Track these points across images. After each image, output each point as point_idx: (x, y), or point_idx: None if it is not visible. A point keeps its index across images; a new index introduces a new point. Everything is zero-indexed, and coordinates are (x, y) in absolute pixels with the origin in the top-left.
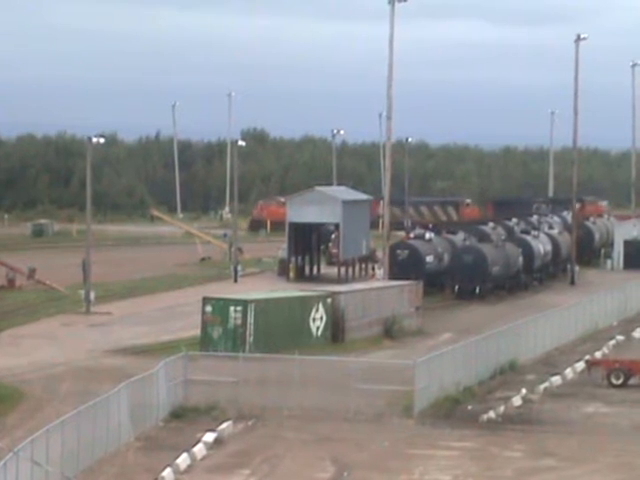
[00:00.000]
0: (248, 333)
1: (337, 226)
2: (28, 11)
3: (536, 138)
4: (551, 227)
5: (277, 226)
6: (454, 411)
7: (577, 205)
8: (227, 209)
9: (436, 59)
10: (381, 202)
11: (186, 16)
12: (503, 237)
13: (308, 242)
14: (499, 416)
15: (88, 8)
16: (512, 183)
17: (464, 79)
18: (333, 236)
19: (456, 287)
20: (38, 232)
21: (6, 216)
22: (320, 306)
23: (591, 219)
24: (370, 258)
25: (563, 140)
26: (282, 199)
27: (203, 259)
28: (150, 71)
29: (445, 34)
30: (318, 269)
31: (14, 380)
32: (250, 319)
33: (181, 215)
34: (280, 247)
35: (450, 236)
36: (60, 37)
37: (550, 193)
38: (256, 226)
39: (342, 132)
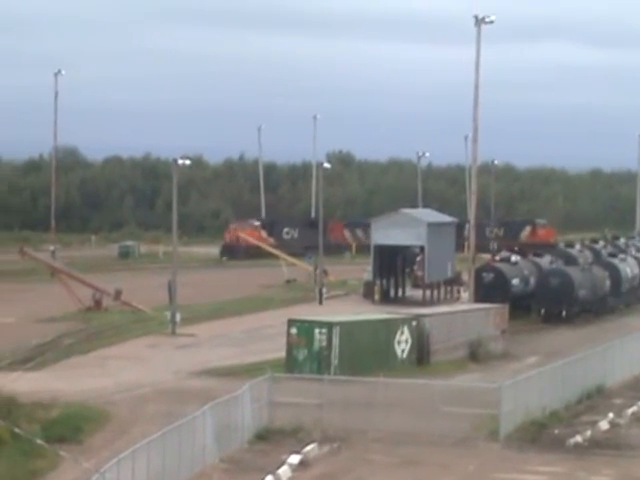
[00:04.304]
0: (333, 355)
1: (422, 248)
2: (115, 35)
3: (624, 161)
4: (639, 250)
5: (253, 251)
6: (540, 435)
7: (527, 228)
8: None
9: (522, 81)
10: (338, 226)
11: (273, 40)
12: (590, 260)
13: (393, 264)
14: (586, 440)
15: (175, 31)
16: (599, 206)
17: (551, 101)
18: (418, 258)
19: (542, 310)
20: (124, 254)
21: (93, 238)
22: (405, 329)
23: None
24: (455, 281)
25: None
26: (256, 222)
27: (288, 281)
28: (235, 93)
29: (531, 56)
30: (403, 291)
31: (100, 401)
32: (335, 341)
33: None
34: (365, 269)
35: (536, 259)
36: (146, 60)
37: (638, 216)
38: (228, 252)
39: (427, 154)
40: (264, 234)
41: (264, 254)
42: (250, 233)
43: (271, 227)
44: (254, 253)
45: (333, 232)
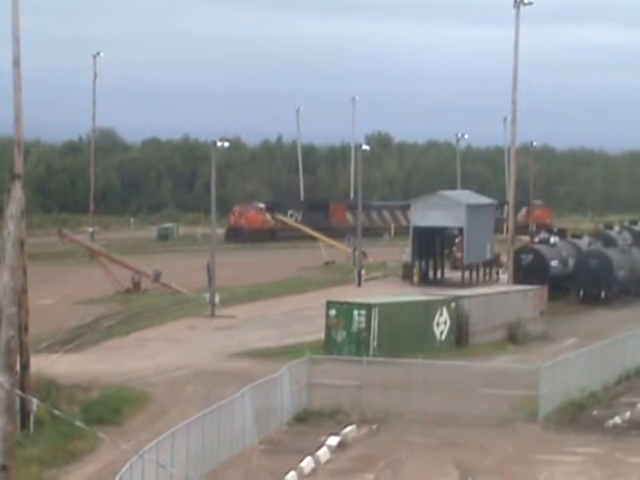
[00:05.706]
0: (372, 337)
1: (461, 230)
2: (153, 16)
3: None
4: None
5: (255, 234)
6: (579, 416)
7: (523, 209)
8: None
9: (562, 63)
10: (344, 207)
11: (312, 22)
12: (629, 242)
13: (432, 246)
14: (625, 422)
15: (213, 13)
16: (639, 188)
17: (590, 83)
18: (457, 240)
19: (581, 292)
20: (163, 236)
21: (132, 220)
22: (444, 310)
23: None
24: (494, 262)
25: None
26: (261, 204)
27: (327, 263)
28: (273, 75)
29: (571, 38)
30: (442, 273)
31: (140, 383)
32: (374, 323)
33: None
34: (404, 251)
35: (575, 240)
36: (184, 42)
37: None
38: (233, 234)
39: (466, 136)
40: (268, 216)
41: (268, 238)
42: (254, 216)
43: (275, 209)
44: (257, 237)
45: (335, 214)
